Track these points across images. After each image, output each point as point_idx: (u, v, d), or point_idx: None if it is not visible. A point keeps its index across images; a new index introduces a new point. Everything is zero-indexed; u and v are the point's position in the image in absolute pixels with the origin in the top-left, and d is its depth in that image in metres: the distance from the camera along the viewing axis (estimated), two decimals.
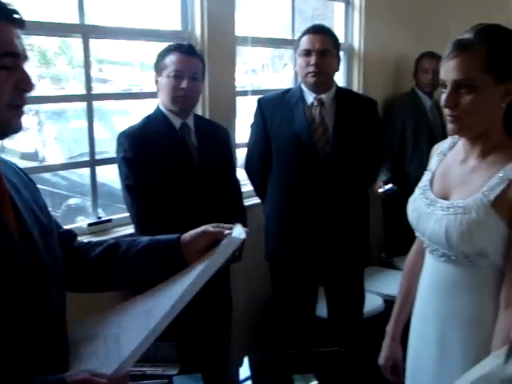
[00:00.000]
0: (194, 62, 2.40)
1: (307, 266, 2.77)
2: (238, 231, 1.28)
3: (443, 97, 1.55)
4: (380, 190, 3.57)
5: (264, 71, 3.91)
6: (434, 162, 1.77)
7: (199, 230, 1.32)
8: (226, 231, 1.29)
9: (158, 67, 2.40)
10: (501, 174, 1.51)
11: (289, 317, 2.86)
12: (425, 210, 1.65)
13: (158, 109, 2.44)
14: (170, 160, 2.34)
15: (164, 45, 2.44)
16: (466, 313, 1.59)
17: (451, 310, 1.62)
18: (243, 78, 3.41)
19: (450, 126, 1.58)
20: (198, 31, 2.80)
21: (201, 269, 1.20)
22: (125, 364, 1.11)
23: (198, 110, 2.80)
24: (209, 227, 1.32)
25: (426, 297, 1.71)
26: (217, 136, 2.55)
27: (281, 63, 3.86)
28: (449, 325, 1.62)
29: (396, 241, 3.76)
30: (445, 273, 1.62)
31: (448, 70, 1.53)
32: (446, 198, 1.63)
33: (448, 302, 1.62)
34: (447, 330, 1.63)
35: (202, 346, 2.33)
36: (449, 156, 1.74)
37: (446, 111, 1.57)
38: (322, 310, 2.99)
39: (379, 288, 3.41)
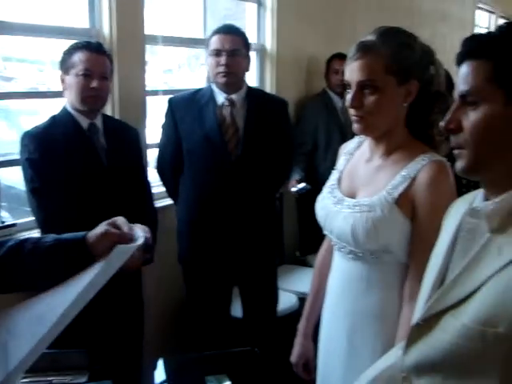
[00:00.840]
0: (103, 61, 2.34)
1: (221, 267, 2.76)
2: (137, 236, 1.26)
3: (348, 97, 1.59)
4: (293, 190, 3.63)
5: (180, 71, 3.86)
6: (341, 161, 1.81)
7: (102, 230, 1.29)
8: (129, 235, 1.27)
9: (65, 65, 2.32)
10: (404, 173, 1.56)
11: (204, 318, 2.85)
12: (332, 209, 1.67)
13: (64, 108, 2.35)
14: (78, 161, 2.27)
15: (71, 43, 2.36)
16: (373, 308, 1.63)
17: (359, 306, 1.65)
18: (159, 78, 3.36)
19: (354, 126, 1.62)
20: (106, 29, 2.72)
21: (93, 276, 1.16)
22: (11, 376, 1.03)
23: (108, 110, 2.73)
24: (110, 228, 1.29)
25: (335, 294, 1.74)
26: (126, 136, 2.49)
27: (197, 63, 3.83)
28: (357, 320, 1.66)
29: (310, 239, 3.82)
30: (352, 270, 1.66)
31: (352, 71, 1.57)
32: (352, 196, 1.66)
33: (356, 297, 1.66)
34: (356, 326, 1.66)
35: (113, 352, 2.27)
36: (355, 155, 1.78)
37: (351, 111, 1.60)
38: (236, 309, 2.99)
39: (294, 286, 3.45)
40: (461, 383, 1.01)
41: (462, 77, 1.04)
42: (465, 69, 1.04)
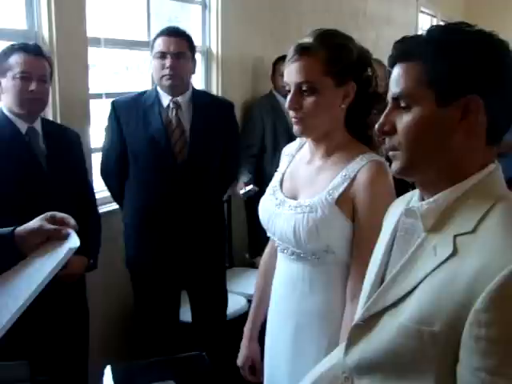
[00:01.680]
0: (42, 63, 2.28)
1: (169, 271, 2.74)
2: (73, 239, 1.24)
3: (287, 99, 1.60)
4: (241, 192, 3.63)
5: (128, 74, 3.80)
6: (283, 163, 1.82)
7: (35, 225, 1.27)
8: (63, 231, 1.25)
9: (1, 68, 2.25)
10: (343, 173, 1.58)
11: (152, 323, 2.81)
12: (275, 210, 1.68)
13: (1, 112, 2.28)
14: (16, 166, 2.20)
15: (7, 44, 2.30)
16: (317, 308, 1.64)
17: (303, 307, 1.66)
18: (106, 81, 3.28)
19: (294, 128, 1.64)
20: (45, 31, 2.64)
21: (46, 274, 1.14)
22: None
23: (49, 115, 2.66)
24: (45, 224, 1.26)
25: (280, 295, 1.75)
26: (67, 141, 2.43)
27: (146, 66, 3.77)
28: (301, 321, 1.66)
29: (259, 241, 3.82)
30: (295, 270, 1.66)
31: (290, 73, 1.58)
32: (294, 197, 1.67)
33: (300, 298, 1.66)
34: (300, 326, 1.67)
35: (57, 363, 2.21)
36: (297, 157, 1.79)
37: (291, 113, 1.62)
38: (185, 314, 2.96)
39: (243, 288, 3.44)
40: (399, 381, 1.02)
41: (394, 79, 1.05)
42: (396, 71, 1.05)
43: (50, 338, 2.24)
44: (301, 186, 1.68)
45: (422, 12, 8.15)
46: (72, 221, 1.31)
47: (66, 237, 1.25)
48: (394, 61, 1.06)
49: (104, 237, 2.54)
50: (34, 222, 1.28)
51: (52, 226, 1.27)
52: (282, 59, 3.99)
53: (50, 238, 1.27)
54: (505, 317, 0.87)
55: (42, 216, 1.30)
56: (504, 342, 0.87)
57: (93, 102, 2.99)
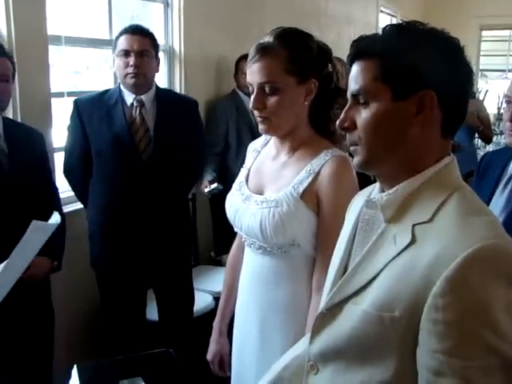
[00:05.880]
0: (3, 63, 2.24)
1: (135, 270, 2.73)
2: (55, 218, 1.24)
3: (251, 99, 1.63)
4: (206, 190, 3.64)
5: (89, 72, 3.76)
6: (249, 159, 1.85)
7: None
8: None
9: None
10: (308, 168, 1.61)
11: (119, 322, 2.80)
12: (241, 205, 1.70)
13: None
14: None
15: None
16: (283, 300, 1.67)
17: (270, 299, 1.69)
18: (66, 80, 3.25)
19: (260, 127, 1.67)
20: (3, 29, 2.61)
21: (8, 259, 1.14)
22: None
23: (9, 114, 2.62)
24: None
25: (247, 288, 1.78)
26: (30, 140, 2.39)
27: (107, 65, 3.74)
28: (268, 312, 1.70)
29: (224, 239, 3.83)
30: (262, 264, 1.69)
31: (253, 73, 1.60)
32: (260, 193, 1.70)
33: (267, 291, 1.70)
34: (267, 318, 1.70)
35: (21, 363, 2.19)
36: (262, 153, 1.82)
37: (255, 112, 1.65)
38: (152, 313, 2.96)
39: (209, 286, 3.46)
40: (363, 367, 1.05)
41: (353, 77, 1.09)
42: (355, 69, 1.09)
43: (14, 339, 2.21)
44: (266, 181, 1.71)
45: (382, 12, 8.27)
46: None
47: None
48: (352, 59, 1.10)
49: (68, 236, 2.52)
50: None
51: None
52: (244, 57, 3.98)
53: None
54: (459, 301, 0.91)
55: None
56: (459, 324, 0.91)
57: (54, 101, 2.96)
